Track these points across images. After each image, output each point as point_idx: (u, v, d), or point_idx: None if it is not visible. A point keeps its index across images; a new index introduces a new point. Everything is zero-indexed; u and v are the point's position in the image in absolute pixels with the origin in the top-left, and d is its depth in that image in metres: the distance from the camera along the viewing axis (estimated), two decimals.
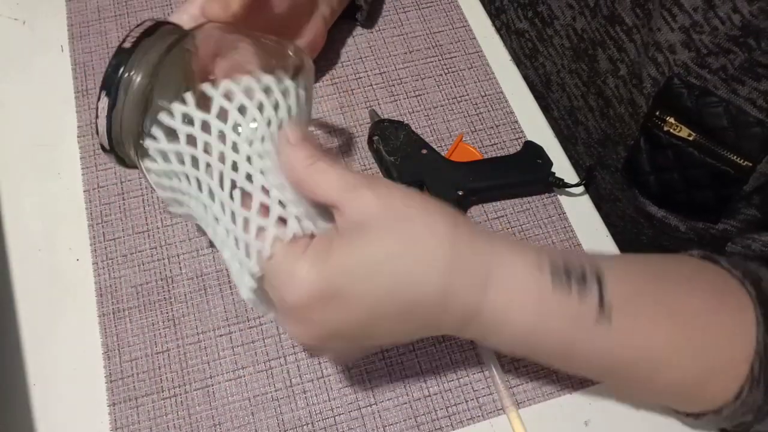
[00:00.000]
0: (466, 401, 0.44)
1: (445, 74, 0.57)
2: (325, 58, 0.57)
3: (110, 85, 0.36)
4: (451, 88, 0.57)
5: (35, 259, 0.48)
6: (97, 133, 0.37)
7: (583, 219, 0.52)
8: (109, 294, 0.46)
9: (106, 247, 0.48)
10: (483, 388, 0.45)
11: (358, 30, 0.59)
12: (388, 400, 0.44)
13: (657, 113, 0.48)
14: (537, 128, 0.55)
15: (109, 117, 0.36)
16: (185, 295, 0.47)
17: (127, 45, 0.36)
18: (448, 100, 0.56)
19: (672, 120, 0.47)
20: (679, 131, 0.47)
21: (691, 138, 0.47)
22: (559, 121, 0.61)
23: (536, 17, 0.59)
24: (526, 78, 0.59)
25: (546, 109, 0.60)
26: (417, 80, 0.57)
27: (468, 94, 0.56)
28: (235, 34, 0.40)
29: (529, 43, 0.61)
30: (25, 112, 0.54)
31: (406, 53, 0.58)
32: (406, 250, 0.34)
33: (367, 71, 0.57)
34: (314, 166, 0.35)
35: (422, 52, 0.58)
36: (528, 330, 0.37)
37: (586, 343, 0.37)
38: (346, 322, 0.34)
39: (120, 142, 0.38)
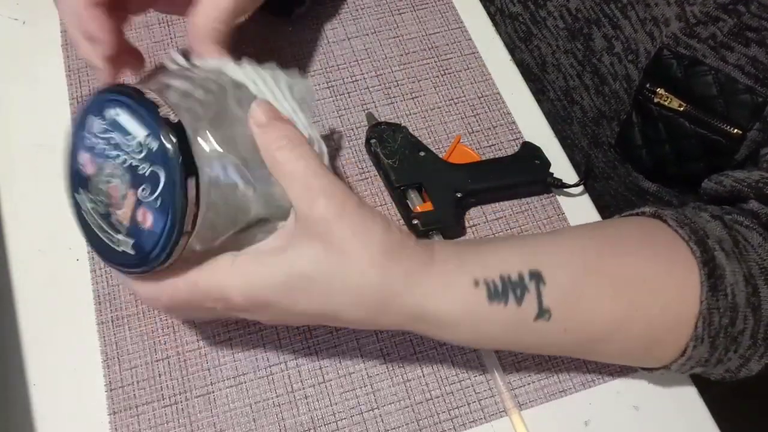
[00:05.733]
0: (468, 404, 0.44)
1: (442, 76, 0.57)
2: (321, 61, 0.57)
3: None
4: (448, 89, 0.56)
5: (35, 258, 0.47)
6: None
7: (581, 219, 0.51)
8: (107, 302, 0.46)
9: None
10: (485, 391, 0.45)
11: (354, 32, 0.59)
12: (390, 404, 0.44)
13: (647, 85, 0.48)
14: (534, 129, 0.55)
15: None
16: None
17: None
18: (445, 101, 0.56)
19: (662, 91, 0.48)
20: (670, 102, 0.48)
21: (681, 109, 0.47)
22: (555, 103, 0.61)
23: (529, 0, 0.59)
24: (521, 62, 0.58)
25: (542, 92, 0.61)
26: (413, 82, 0.57)
27: (465, 96, 0.56)
28: None
29: (523, 26, 0.60)
30: (25, 111, 0.53)
31: (402, 55, 0.58)
32: (339, 290, 0.35)
33: (363, 74, 0.57)
34: (281, 152, 0.36)
35: (418, 54, 0.58)
36: (465, 340, 0.41)
37: (527, 336, 0.39)
38: (264, 317, 0.38)
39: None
